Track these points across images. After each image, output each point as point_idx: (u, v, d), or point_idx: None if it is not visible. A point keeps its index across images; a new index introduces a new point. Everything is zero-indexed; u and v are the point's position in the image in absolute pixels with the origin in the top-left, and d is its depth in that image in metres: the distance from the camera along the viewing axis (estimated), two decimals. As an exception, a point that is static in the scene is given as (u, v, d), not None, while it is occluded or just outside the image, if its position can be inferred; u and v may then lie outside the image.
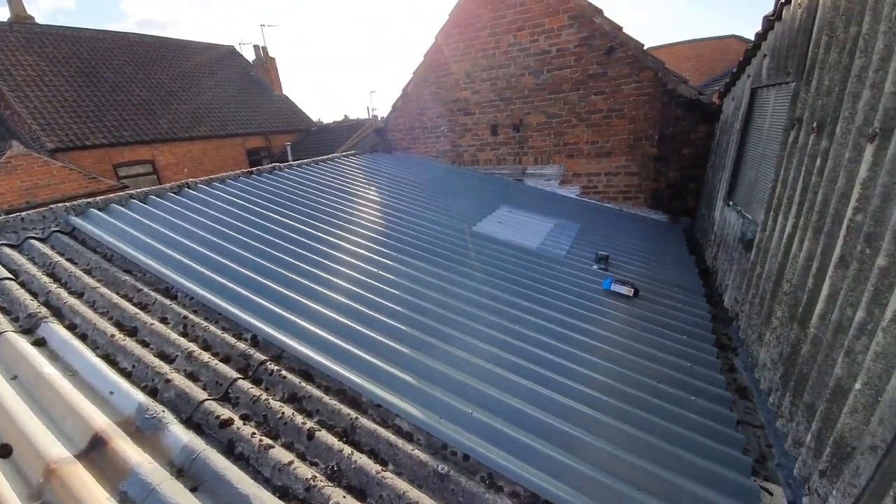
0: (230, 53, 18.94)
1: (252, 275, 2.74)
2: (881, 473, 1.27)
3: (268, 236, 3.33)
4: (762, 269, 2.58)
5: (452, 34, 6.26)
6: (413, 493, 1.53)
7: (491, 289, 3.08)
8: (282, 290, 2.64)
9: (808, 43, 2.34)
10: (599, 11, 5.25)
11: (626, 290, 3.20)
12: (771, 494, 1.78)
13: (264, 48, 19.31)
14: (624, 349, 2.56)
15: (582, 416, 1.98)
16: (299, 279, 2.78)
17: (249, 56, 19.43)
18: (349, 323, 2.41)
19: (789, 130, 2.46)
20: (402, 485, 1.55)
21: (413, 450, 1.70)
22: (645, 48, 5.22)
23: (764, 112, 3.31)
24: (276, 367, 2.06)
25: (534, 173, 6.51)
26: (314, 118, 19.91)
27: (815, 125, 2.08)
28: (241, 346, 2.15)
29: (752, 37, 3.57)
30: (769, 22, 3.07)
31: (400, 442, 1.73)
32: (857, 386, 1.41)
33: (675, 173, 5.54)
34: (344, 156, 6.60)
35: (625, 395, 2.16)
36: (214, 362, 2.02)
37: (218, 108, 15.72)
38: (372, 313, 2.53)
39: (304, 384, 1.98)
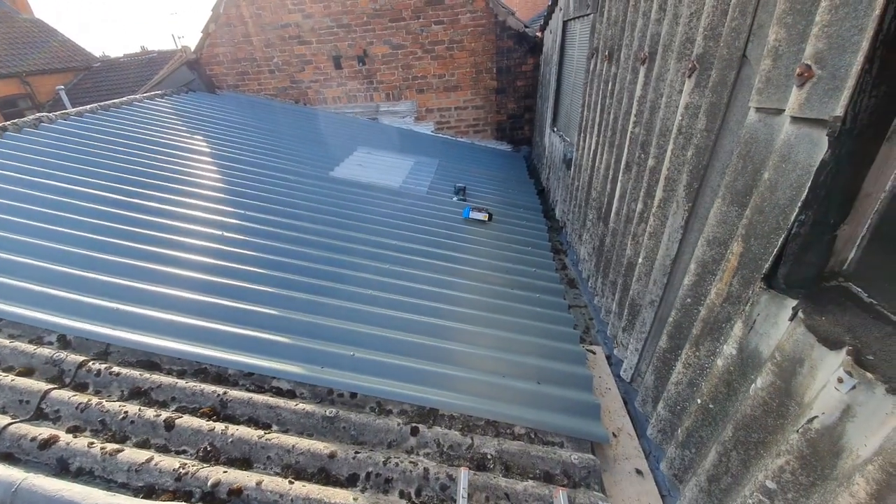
0: None
1: (41, 263, 2.12)
2: (658, 319, 1.78)
3: (55, 211, 2.56)
4: (578, 183, 3.12)
5: (266, -58, 5.24)
6: (303, 442, 1.54)
7: (359, 233, 3.02)
8: (91, 275, 2.12)
9: (601, -23, 2.68)
10: (428, -70, 5.01)
11: (482, 216, 3.52)
12: (594, 354, 2.34)
13: (-25, -58, 13.18)
14: (484, 267, 2.87)
15: (454, 331, 2.20)
16: (116, 258, 2.26)
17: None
18: (199, 297, 2.11)
19: (590, 59, 2.87)
20: (290, 440, 1.53)
21: (297, 404, 1.67)
22: (475, -24, 5.26)
23: (573, 43, 3.77)
24: (104, 366, 1.73)
25: (388, 111, 6.31)
26: (97, 53, 15.08)
27: (606, 53, 2.47)
28: (45, 351, 1.72)
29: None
30: (573, -45, 3.38)
31: (282, 402, 1.68)
32: (640, 260, 1.89)
33: (512, 105, 6.04)
34: (147, 98, 5.26)
35: (487, 304, 2.47)
36: (10, 378, 1.59)
37: (-88, 34, 10.54)
38: (227, 281, 2.26)
39: (148, 375, 1.72)
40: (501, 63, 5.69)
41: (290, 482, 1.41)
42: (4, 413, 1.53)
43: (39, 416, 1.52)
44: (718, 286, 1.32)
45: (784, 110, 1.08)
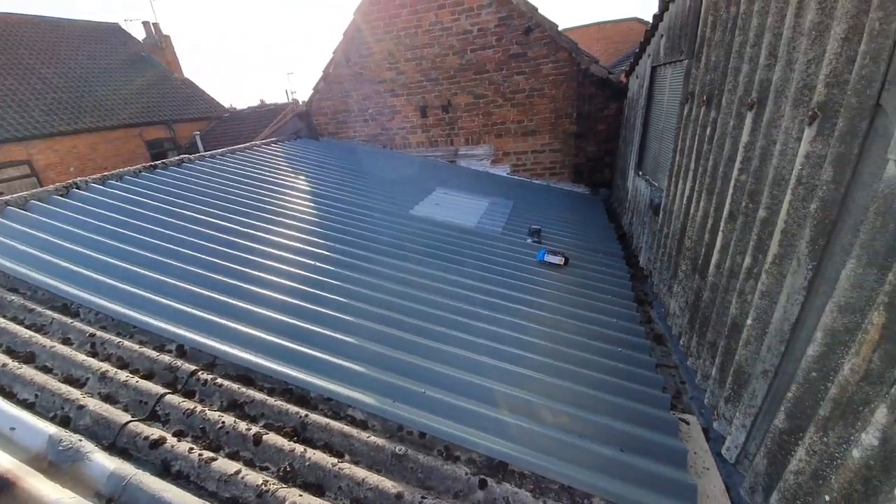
0: (114, 31, 16.45)
1: (170, 280, 2.48)
2: (772, 393, 1.53)
3: (185, 236, 3.02)
4: (668, 230, 2.91)
5: (371, 12, 6.02)
6: (373, 477, 1.54)
7: (434, 270, 3.11)
8: (208, 293, 2.43)
9: (698, 23, 2.62)
10: (515, -9, 5.37)
11: (558, 260, 3.42)
12: (687, 424, 2.06)
13: (156, 24, 17.01)
14: (559, 313, 2.75)
15: (528, 379, 2.11)
16: (228, 280, 2.58)
17: (138, 34, 17.02)
18: (289, 320, 2.30)
19: (684, 104, 2.75)
20: (360, 472, 1.55)
21: (369, 436, 1.70)
22: (559, 29, 5.46)
23: (663, 88, 3.66)
24: (210, 377, 1.92)
25: (466, 154, 6.60)
26: (225, 104, 18.14)
27: (704, 98, 2.35)
28: (166, 358, 1.96)
29: (650, 19, 3.89)
30: (665, 3, 3.37)
31: (354, 431, 1.71)
32: (749, 322, 1.67)
33: (592, 148, 5.96)
34: (264, 143, 6.13)
35: (563, 354, 2.34)
36: (135, 380, 1.83)
37: (105, 95, 13.64)
38: (313, 307, 2.44)
39: (244, 390, 1.87)
40: (582, 108, 5.71)
41: (358, 519, 1.41)
42: (126, 411, 1.75)
43: (153, 416, 1.72)
44: (854, 361, 1.11)
45: (943, 162, 0.92)
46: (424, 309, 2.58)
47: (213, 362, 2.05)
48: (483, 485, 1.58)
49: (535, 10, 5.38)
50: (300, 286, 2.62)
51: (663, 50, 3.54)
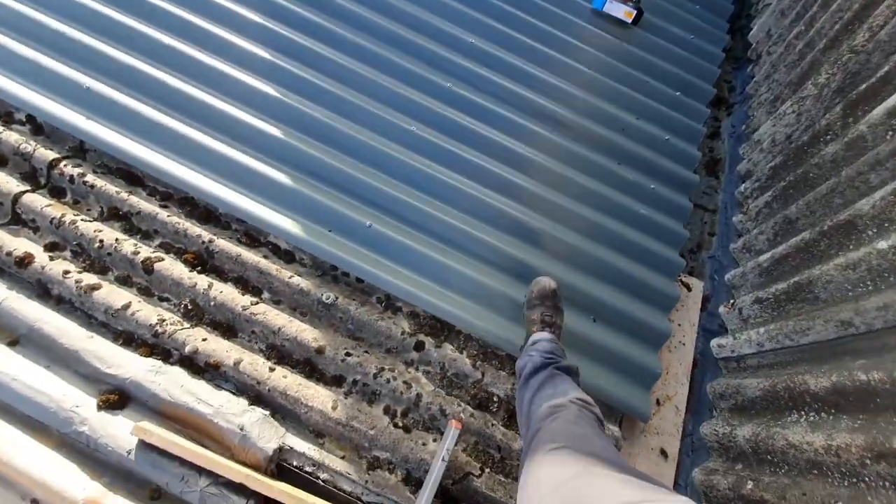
0: None
1: (17, 5, 1.59)
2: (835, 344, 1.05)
3: None
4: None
5: None
6: (292, 327, 1.32)
7: (430, 15, 2.00)
8: (74, 32, 1.60)
9: None
10: None
11: (624, 14, 2.16)
12: (689, 290, 1.69)
13: None
14: (591, 117, 1.91)
15: (514, 221, 1.60)
16: (105, 9, 1.65)
17: None
18: (198, 95, 1.59)
19: None
20: (277, 320, 1.32)
21: (291, 277, 1.38)
22: None
23: None
24: (79, 170, 1.44)
25: None
26: None
27: None
28: (14, 137, 1.42)
29: None
30: None
31: (274, 269, 1.39)
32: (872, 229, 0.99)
33: None
34: None
35: (574, 187, 1.72)
36: (-22, 167, 1.37)
37: None
38: (232, 73, 1.65)
39: (125, 195, 1.42)
40: None
41: (271, 369, 1.27)
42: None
43: (18, 221, 1.37)
44: None
45: None
46: (391, 88, 1.76)
47: (80, 146, 1.52)
48: (420, 347, 1.38)
49: None
50: (217, 29, 1.71)
51: None
